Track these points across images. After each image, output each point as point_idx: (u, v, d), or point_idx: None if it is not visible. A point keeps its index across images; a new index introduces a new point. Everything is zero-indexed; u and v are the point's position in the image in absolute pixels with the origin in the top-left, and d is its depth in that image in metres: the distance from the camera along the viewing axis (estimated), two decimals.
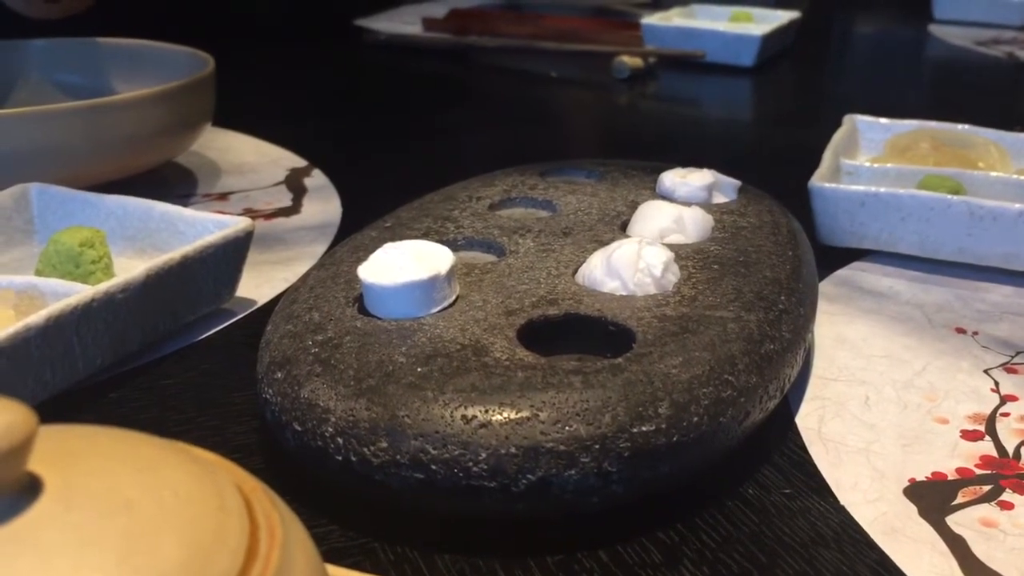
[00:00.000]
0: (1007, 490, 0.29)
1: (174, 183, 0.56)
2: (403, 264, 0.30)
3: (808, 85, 0.95)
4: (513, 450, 0.25)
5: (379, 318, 0.30)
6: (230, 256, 0.38)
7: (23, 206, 0.42)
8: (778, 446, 0.31)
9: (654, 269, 0.32)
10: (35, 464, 0.15)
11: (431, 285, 0.30)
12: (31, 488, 0.14)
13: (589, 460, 0.25)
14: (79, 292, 0.32)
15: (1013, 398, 0.34)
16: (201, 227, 0.39)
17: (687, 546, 0.27)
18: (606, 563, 0.26)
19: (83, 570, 0.13)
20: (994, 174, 0.48)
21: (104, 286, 0.32)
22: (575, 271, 0.33)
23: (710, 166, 0.42)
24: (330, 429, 0.26)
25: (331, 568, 0.20)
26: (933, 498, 0.29)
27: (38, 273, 0.37)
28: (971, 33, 1.13)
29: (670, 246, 0.34)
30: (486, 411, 0.25)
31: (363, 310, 0.30)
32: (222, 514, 0.15)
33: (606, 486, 0.25)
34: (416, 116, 0.76)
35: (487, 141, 0.69)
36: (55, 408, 0.31)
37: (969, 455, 0.31)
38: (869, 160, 0.52)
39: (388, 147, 0.67)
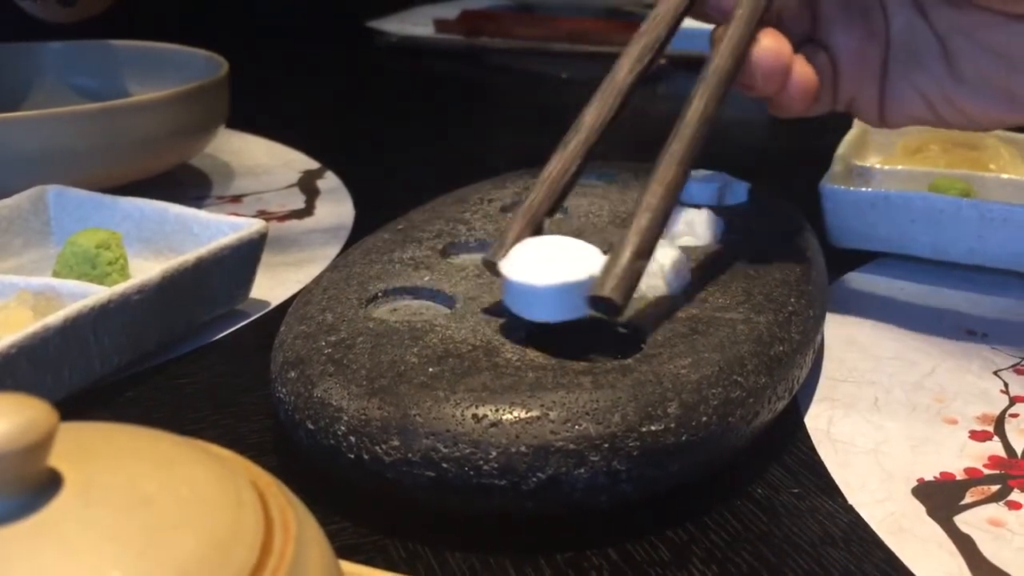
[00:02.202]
0: (1015, 490, 0.29)
1: (188, 185, 0.56)
2: (553, 265, 0.28)
3: None
4: (523, 449, 0.25)
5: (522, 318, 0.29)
6: (244, 258, 0.38)
7: (40, 208, 0.42)
8: (787, 446, 0.31)
9: (667, 270, 0.32)
10: (55, 460, 0.15)
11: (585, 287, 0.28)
12: (52, 483, 0.15)
13: (598, 459, 0.25)
14: (96, 293, 0.32)
15: (1022, 399, 0.34)
16: (215, 229, 0.40)
17: (696, 545, 0.27)
18: (615, 561, 0.26)
19: (102, 564, 0.14)
20: (1005, 176, 0.48)
21: (120, 287, 0.33)
22: None
23: (721, 168, 0.42)
24: (343, 428, 0.26)
25: (344, 564, 0.20)
26: (941, 498, 0.29)
27: (55, 274, 0.37)
28: None
29: (680, 248, 0.34)
30: (497, 410, 0.25)
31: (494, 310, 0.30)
32: (238, 510, 0.15)
33: (615, 485, 0.26)
34: (428, 118, 0.77)
35: (499, 143, 0.70)
36: (72, 407, 0.31)
37: (978, 455, 0.31)
38: (880, 162, 0.52)
39: (400, 149, 0.67)
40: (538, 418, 0.25)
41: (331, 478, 0.27)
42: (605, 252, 0.33)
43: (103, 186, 0.45)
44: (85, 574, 0.14)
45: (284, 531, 0.16)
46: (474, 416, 0.25)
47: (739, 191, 0.41)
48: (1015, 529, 0.28)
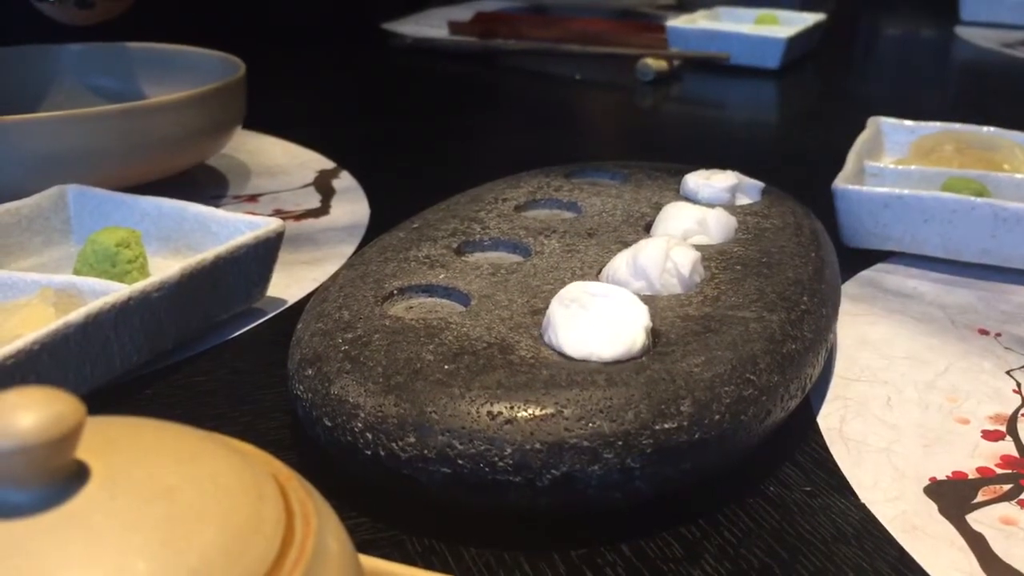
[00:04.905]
0: None
1: (206, 185, 0.57)
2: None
3: (833, 87, 0.94)
4: (538, 446, 0.25)
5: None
6: (261, 256, 0.39)
7: (61, 207, 0.43)
8: (799, 445, 0.32)
9: (682, 269, 0.32)
10: (82, 453, 0.15)
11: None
12: (79, 475, 0.15)
13: (612, 456, 0.25)
14: (116, 291, 0.33)
15: None
16: (233, 228, 0.40)
17: (709, 541, 0.27)
18: (628, 557, 0.26)
19: (127, 553, 0.14)
20: (1019, 176, 0.48)
21: (140, 285, 0.33)
22: (599, 271, 0.34)
23: (734, 168, 0.43)
24: (360, 424, 0.26)
25: (361, 558, 0.21)
26: (953, 497, 0.29)
27: (76, 272, 0.38)
28: (998, 35, 1.13)
29: (694, 247, 0.34)
30: (511, 407, 0.26)
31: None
32: (259, 502, 0.16)
33: (629, 482, 0.26)
34: (442, 118, 0.77)
35: (513, 143, 0.70)
36: (93, 404, 0.32)
37: (990, 455, 0.31)
38: (893, 162, 0.53)
39: (415, 149, 0.67)
40: (552, 415, 0.25)
41: (348, 474, 0.28)
42: (619, 250, 0.34)
43: (122, 185, 0.45)
44: (110, 563, 0.14)
45: (304, 523, 0.16)
46: (489, 413, 0.26)
47: (752, 191, 0.41)
48: None
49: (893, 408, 0.34)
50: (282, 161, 0.62)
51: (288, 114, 0.73)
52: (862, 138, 0.52)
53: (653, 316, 0.30)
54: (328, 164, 0.61)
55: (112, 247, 0.37)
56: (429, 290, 0.33)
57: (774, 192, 0.42)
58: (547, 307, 0.31)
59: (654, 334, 0.29)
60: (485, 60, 0.97)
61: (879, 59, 1.13)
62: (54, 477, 0.15)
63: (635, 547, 0.27)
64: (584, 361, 0.28)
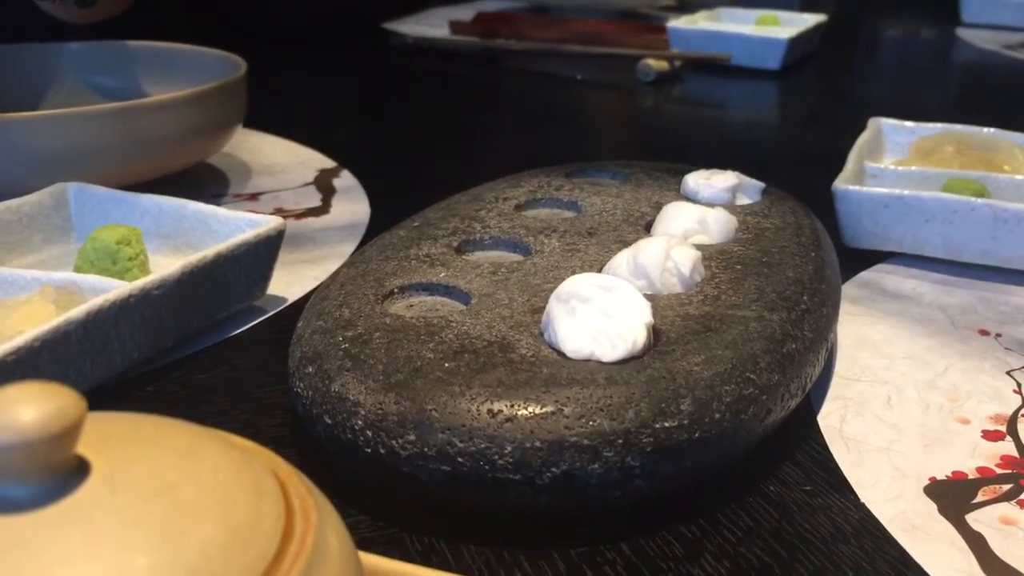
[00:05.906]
0: None
1: (206, 183, 0.57)
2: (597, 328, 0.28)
3: (834, 88, 0.94)
4: (538, 444, 0.25)
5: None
6: (262, 254, 0.39)
7: (61, 205, 0.43)
8: (800, 444, 0.32)
9: (682, 268, 0.32)
10: (83, 448, 0.15)
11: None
12: (79, 470, 0.15)
13: (612, 454, 0.25)
14: (117, 288, 0.33)
15: None
16: (233, 226, 0.40)
17: (708, 540, 0.27)
18: (628, 556, 0.26)
19: (127, 549, 0.14)
20: (1019, 177, 0.48)
21: (140, 282, 0.33)
22: (600, 270, 0.34)
23: (734, 168, 0.43)
24: (360, 422, 0.26)
25: (360, 555, 0.21)
26: (953, 496, 0.29)
27: (76, 270, 0.38)
28: (999, 36, 1.13)
29: (694, 246, 0.34)
30: (512, 405, 0.26)
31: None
32: (259, 498, 0.16)
33: (629, 480, 0.26)
34: (443, 118, 0.77)
35: (513, 143, 0.70)
36: (93, 400, 0.32)
37: (990, 455, 0.31)
38: (894, 163, 0.53)
39: (415, 148, 0.67)
40: (552, 413, 0.25)
41: (348, 472, 0.28)
42: (619, 250, 0.34)
43: (123, 183, 0.45)
44: (110, 559, 0.14)
45: (304, 519, 0.16)
46: (489, 411, 0.26)
47: (753, 191, 0.41)
48: None
49: (893, 408, 0.34)
50: (283, 160, 0.62)
51: (289, 113, 0.73)
52: (862, 139, 0.53)
53: (653, 315, 0.30)
54: (329, 163, 0.61)
55: (113, 245, 0.37)
56: (429, 288, 0.33)
57: (774, 192, 0.42)
58: (547, 305, 0.31)
59: (654, 333, 0.29)
60: (486, 60, 0.97)
61: (880, 60, 1.13)
62: (54, 472, 0.15)
63: (635, 546, 0.27)
64: (584, 360, 0.28)
